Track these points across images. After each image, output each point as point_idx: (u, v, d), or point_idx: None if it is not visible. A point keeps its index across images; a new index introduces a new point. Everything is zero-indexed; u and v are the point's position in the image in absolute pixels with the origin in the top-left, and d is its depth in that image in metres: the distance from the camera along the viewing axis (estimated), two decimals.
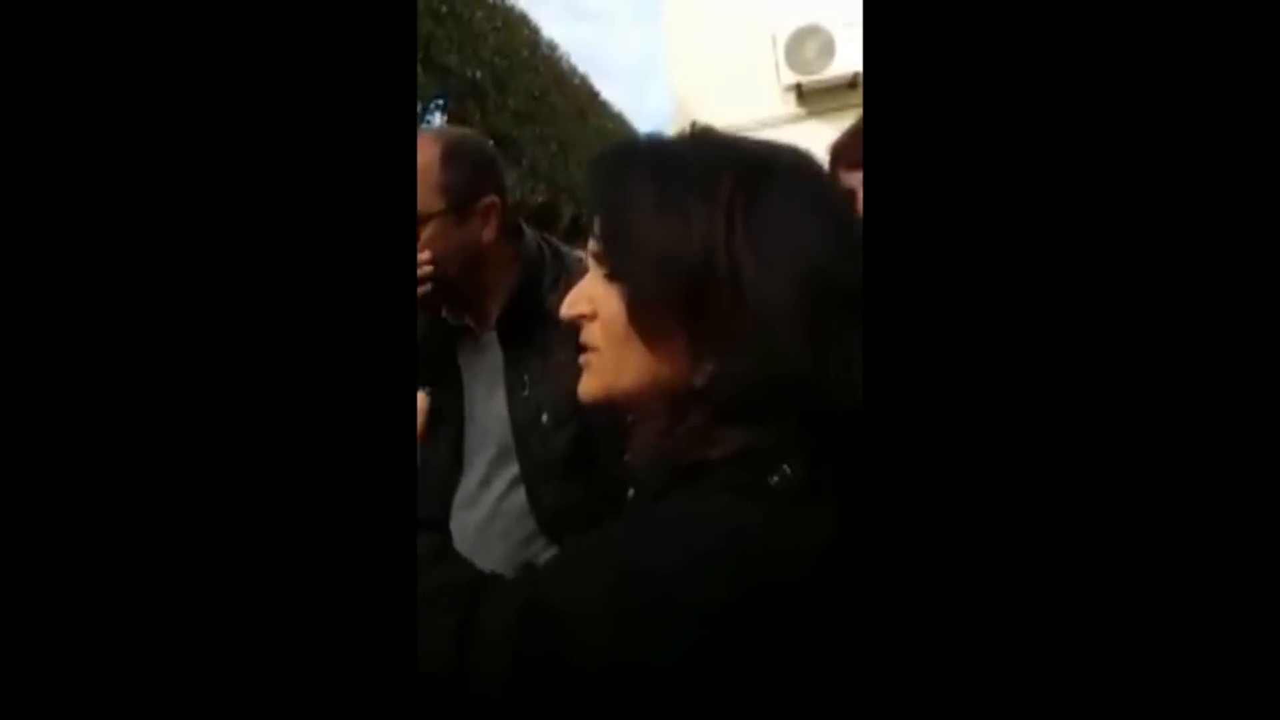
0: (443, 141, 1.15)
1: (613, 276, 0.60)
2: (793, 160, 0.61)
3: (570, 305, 0.63)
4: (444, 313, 1.23)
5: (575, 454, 1.11)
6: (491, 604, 0.54)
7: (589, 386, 0.63)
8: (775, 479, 0.52)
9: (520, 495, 1.16)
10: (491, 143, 1.23)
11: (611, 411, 0.66)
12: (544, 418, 1.13)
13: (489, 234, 1.15)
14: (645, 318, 0.58)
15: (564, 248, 1.26)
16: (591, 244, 0.62)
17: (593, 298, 0.62)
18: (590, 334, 0.63)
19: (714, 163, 0.58)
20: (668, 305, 0.56)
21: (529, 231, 1.24)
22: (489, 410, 1.19)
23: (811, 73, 5.49)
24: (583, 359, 0.63)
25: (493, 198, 1.15)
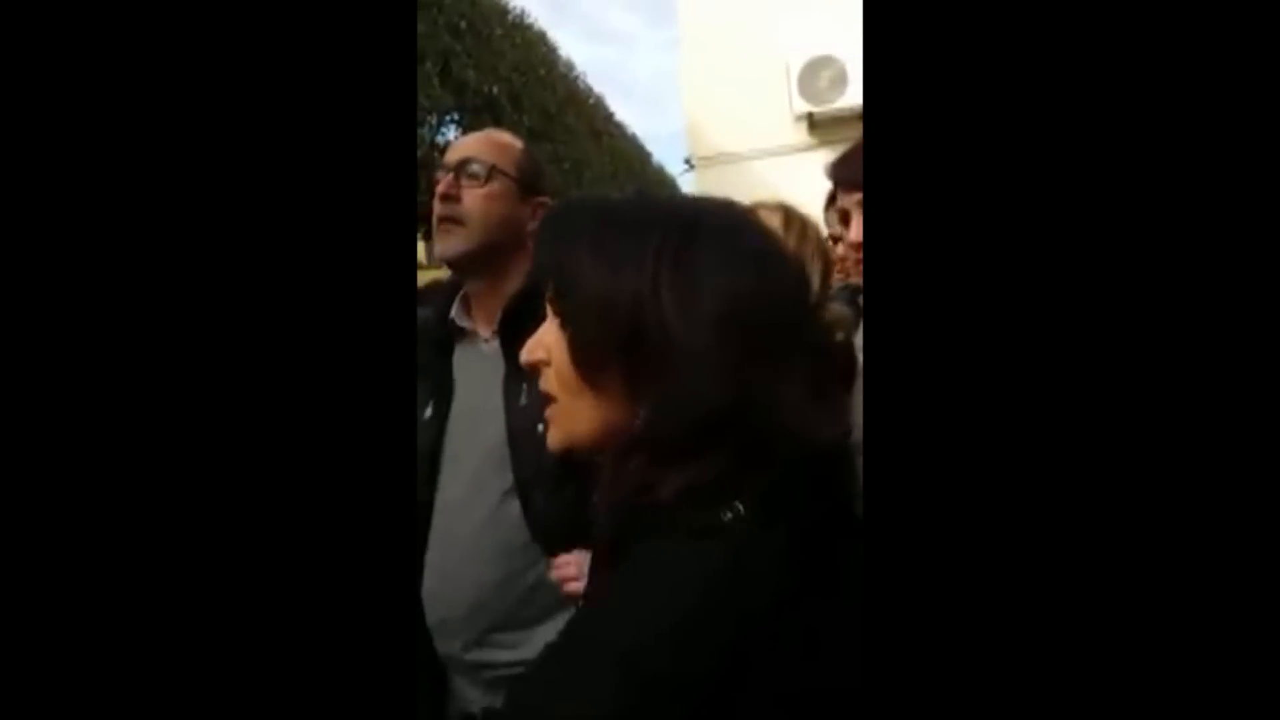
0: (523, 141, 1.32)
1: (562, 324, 0.63)
2: (722, 213, 0.65)
3: (529, 351, 0.67)
4: (453, 313, 1.27)
5: (565, 468, 1.12)
6: None
7: (553, 438, 0.67)
8: (729, 515, 0.55)
9: (514, 505, 1.16)
10: None
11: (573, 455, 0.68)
12: (539, 428, 1.14)
13: (532, 226, 1.25)
14: (586, 362, 0.61)
15: None
16: (549, 291, 0.65)
17: (548, 345, 0.65)
18: (547, 381, 0.66)
19: (646, 217, 0.63)
20: (605, 350, 0.60)
21: None
22: (479, 418, 1.20)
23: (824, 103, 5.52)
24: (548, 411, 0.67)
25: (547, 199, 1.28)
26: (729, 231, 0.63)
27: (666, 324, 0.58)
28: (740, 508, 0.55)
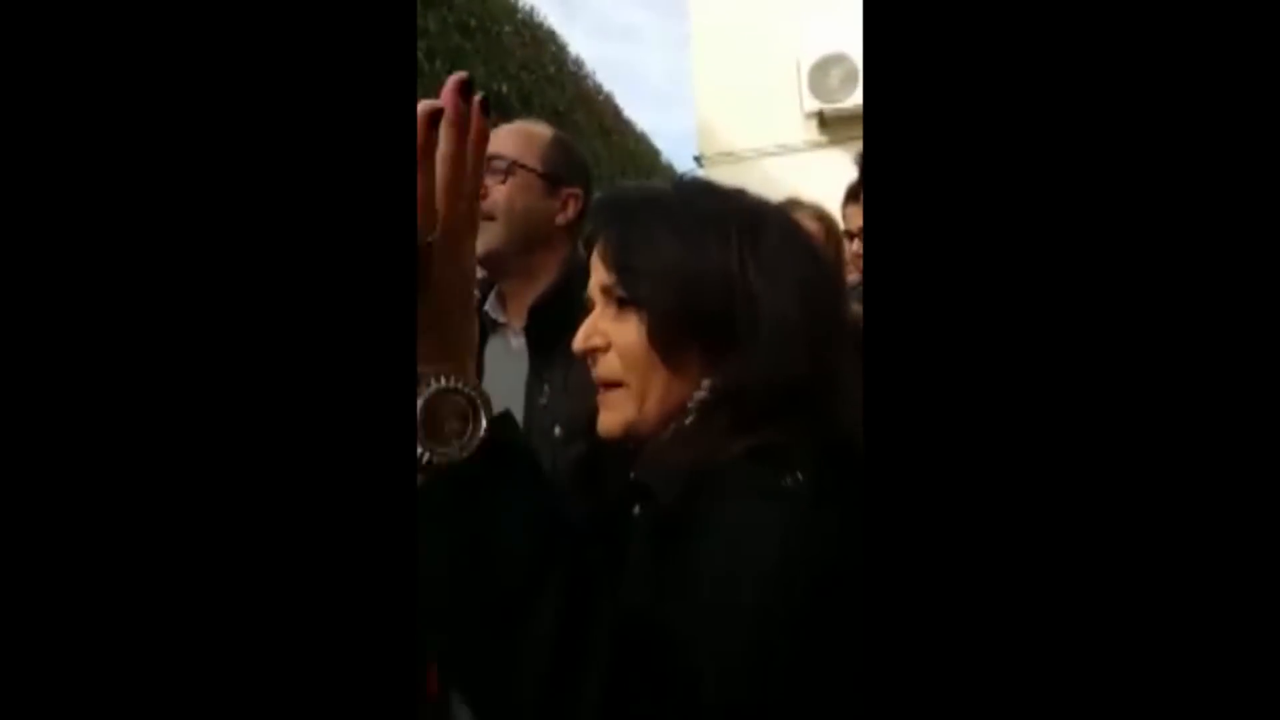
0: (555, 131, 1.29)
1: (628, 304, 0.66)
2: (775, 208, 0.72)
3: (584, 339, 0.68)
4: (486, 305, 1.26)
5: (579, 472, 1.11)
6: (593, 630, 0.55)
7: (611, 422, 0.67)
8: (788, 480, 0.58)
9: None
10: None
11: (627, 440, 0.69)
12: (557, 430, 1.14)
13: (563, 219, 1.24)
14: (666, 337, 0.64)
15: None
16: (602, 277, 0.67)
17: (605, 331, 0.67)
18: (608, 367, 0.67)
19: (722, 206, 0.69)
20: (686, 325, 0.64)
21: (580, 247, 1.29)
22: None
23: (834, 101, 5.51)
24: (602, 396, 0.67)
25: (579, 189, 1.26)
26: (788, 224, 0.69)
27: (755, 297, 0.63)
28: (800, 477, 0.58)
